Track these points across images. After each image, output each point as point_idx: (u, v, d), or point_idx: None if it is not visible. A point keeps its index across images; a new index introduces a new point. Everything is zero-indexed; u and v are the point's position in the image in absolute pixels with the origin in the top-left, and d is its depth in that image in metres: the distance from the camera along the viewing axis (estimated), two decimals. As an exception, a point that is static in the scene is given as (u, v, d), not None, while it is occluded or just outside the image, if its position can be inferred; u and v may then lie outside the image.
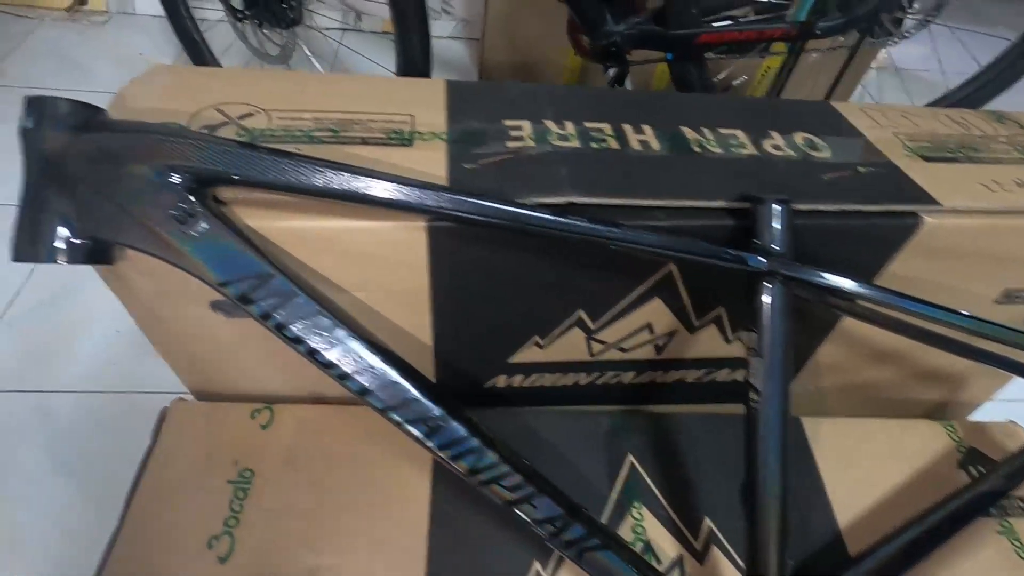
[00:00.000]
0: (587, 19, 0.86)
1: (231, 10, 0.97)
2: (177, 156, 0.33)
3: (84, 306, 0.88)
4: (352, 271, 0.42)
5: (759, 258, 0.38)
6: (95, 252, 0.35)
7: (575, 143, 0.46)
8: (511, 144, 0.45)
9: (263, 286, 0.33)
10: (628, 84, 0.85)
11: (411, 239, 0.40)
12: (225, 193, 0.37)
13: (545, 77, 1.40)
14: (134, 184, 0.33)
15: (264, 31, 1.00)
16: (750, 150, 0.47)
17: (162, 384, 0.78)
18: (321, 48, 1.39)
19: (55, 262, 0.33)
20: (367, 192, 0.36)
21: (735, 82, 1.06)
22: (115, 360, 0.83)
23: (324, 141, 0.43)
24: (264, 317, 0.33)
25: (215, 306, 0.43)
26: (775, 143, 0.49)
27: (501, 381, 0.54)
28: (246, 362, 0.50)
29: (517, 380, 0.54)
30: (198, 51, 1.13)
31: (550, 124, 0.47)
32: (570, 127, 0.47)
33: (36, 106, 0.33)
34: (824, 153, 0.48)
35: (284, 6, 0.91)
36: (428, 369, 0.51)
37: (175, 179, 0.33)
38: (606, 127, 0.48)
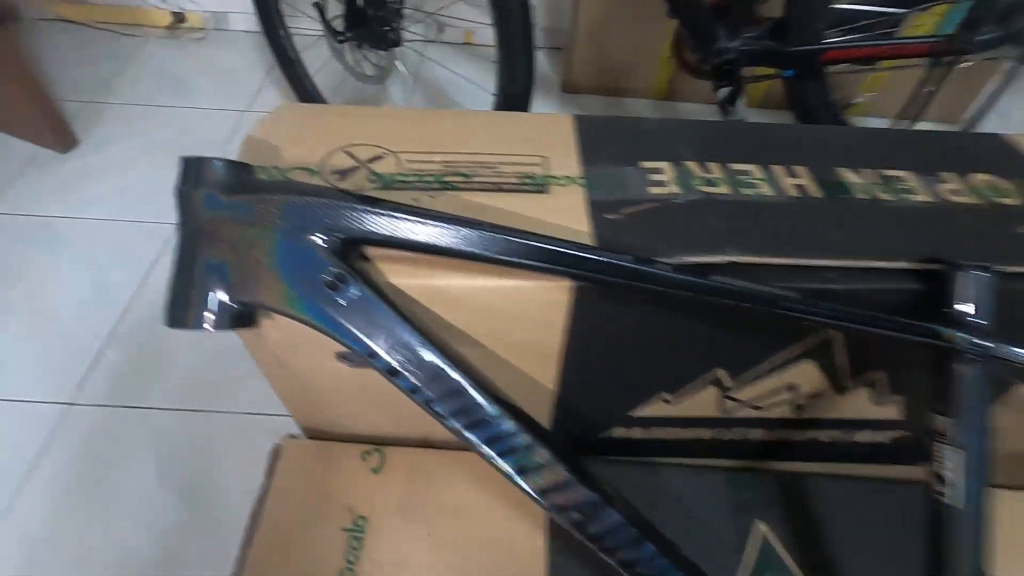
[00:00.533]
0: (699, 35, 0.80)
1: (331, 32, 0.97)
2: (327, 218, 0.32)
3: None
4: (486, 326, 0.39)
5: (960, 334, 0.33)
6: (242, 317, 0.34)
7: (724, 188, 0.42)
8: (654, 190, 0.41)
9: (412, 361, 0.31)
10: (740, 104, 0.80)
11: (554, 299, 0.37)
12: (370, 252, 0.35)
13: (632, 91, 1.35)
14: (284, 247, 0.31)
15: (363, 52, 1.00)
16: (924, 196, 0.42)
17: (263, 406, 0.80)
18: (407, 62, 1.39)
19: (202, 329, 0.32)
20: (512, 254, 0.33)
21: (857, 99, 0.97)
22: (215, 379, 0.85)
23: (456, 187, 0.41)
24: (412, 391, 0.31)
25: (340, 357, 0.41)
26: (952, 187, 0.43)
27: (618, 432, 0.51)
28: (362, 406, 0.49)
29: (636, 432, 0.51)
30: (292, 69, 1.14)
31: (692, 166, 0.43)
32: (715, 170, 0.43)
33: (191, 167, 0.32)
34: (1013, 199, 0.42)
35: (386, 28, 0.90)
36: (544, 415, 0.49)
37: (325, 242, 0.31)
38: (754, 169, 0.43)
